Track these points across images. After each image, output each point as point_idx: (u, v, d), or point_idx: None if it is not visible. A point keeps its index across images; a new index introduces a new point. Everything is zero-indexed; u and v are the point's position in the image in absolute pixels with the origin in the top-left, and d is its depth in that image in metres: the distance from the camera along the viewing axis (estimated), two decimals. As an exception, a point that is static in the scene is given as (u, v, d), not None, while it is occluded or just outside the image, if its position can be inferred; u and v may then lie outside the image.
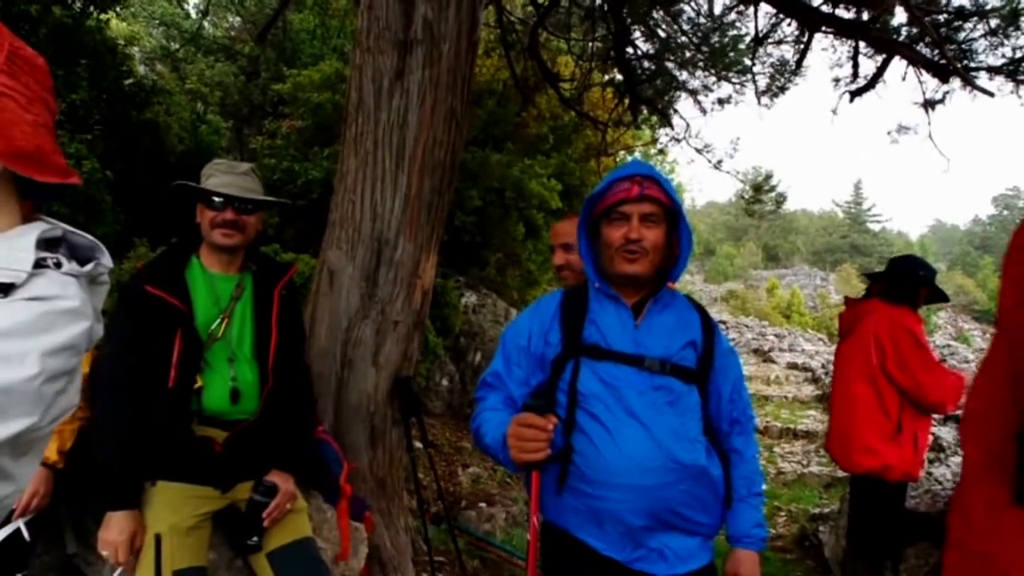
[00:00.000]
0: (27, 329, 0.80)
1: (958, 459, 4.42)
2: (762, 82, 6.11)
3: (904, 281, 3.09)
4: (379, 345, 2.92)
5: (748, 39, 5.75)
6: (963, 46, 4.45)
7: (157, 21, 10.75)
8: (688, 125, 7.61)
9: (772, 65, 6.00)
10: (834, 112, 5.56)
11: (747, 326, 19.84)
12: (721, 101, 6.79)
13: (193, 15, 10.89)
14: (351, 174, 2.96)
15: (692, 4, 5.90)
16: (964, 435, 0.79)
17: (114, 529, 1.74)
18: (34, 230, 0.91)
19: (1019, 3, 4.18)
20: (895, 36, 4.67)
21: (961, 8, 4.40)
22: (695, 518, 1.58)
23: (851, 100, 5.21)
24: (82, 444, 1.98)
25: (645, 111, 7.31)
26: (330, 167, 5.94)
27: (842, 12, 4.75)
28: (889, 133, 5.57)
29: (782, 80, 5.99)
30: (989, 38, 4.33)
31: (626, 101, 6.98)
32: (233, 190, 1.93)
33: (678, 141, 7.83)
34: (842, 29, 4.82)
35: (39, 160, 0.91)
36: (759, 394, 10.56)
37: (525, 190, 7.22)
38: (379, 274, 2.93)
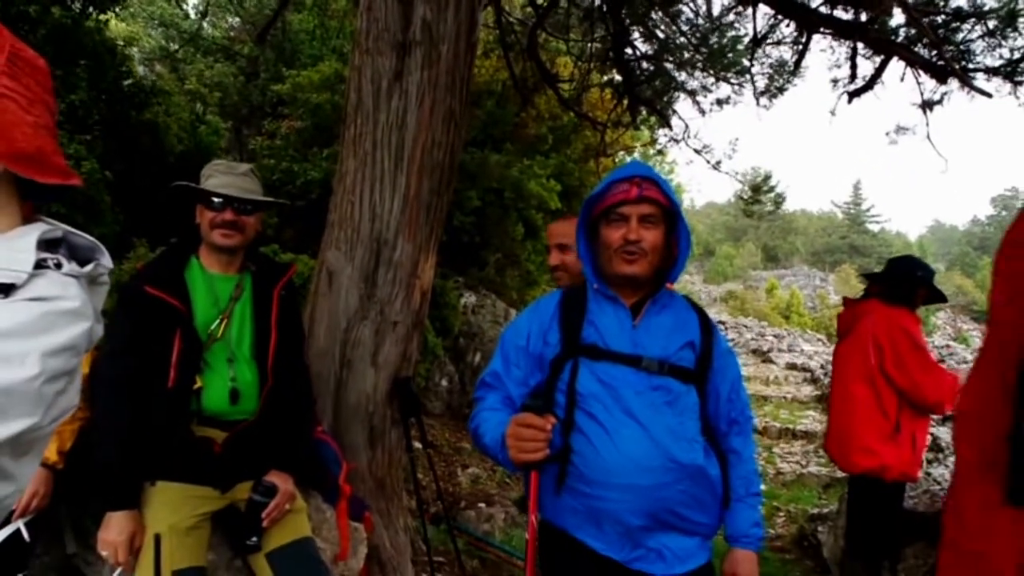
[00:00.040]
0: (28, 329, 0.81)
1: (956, 459, 4.42)
2: (761, 83, 6.13)
3: (902, 282, 3.10)
4: (378, 345, 2.93)
5: (747, 40, 5.76)
6: (961, 47, 4.46)
7: (156, 22, 10.75)
8: (687, 126, 7.64)
9: (771, 66, 6.02)
10: (832, 113, 5.58)
11: (746, 326, 19.86)
12: (720, 102, 6.80)
13: (192, 16, 10.89)
14: (350, 175, 2.97)
15: (691, 5, 5.91)
16: (957, 435, 0.79)
17: (114, 529, 1.74)
18: (35, 231, 0.92)
19: (1016, 4, 4.19)
20: (893, 37, 4.68)
21: (959, 9, 4.41)
22: (693, 518, 1.59)
23: (849, 101, 5.22)
24: (82, 445, 1.99)
25: (644, 112, 7.32)
26: (329, 168, 5.95)
27: (840, 13, 4.76)
28: (887, 134, 5.59)
29: (781, 81, 6.00)
30: (987, 39, 4.34)
31: (625, 102, 6.99)
32: (232, 191, 1.93)
33: (677, 142, 7.85)
34: (840, 30, 4.83)
35: (40, 161, 0.91)
36: (758, 394, 10.57)
37: (524, 190, 7.23)
38: (378, 274, 2.93)
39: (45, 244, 0.91)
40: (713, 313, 24.04)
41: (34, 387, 0.79)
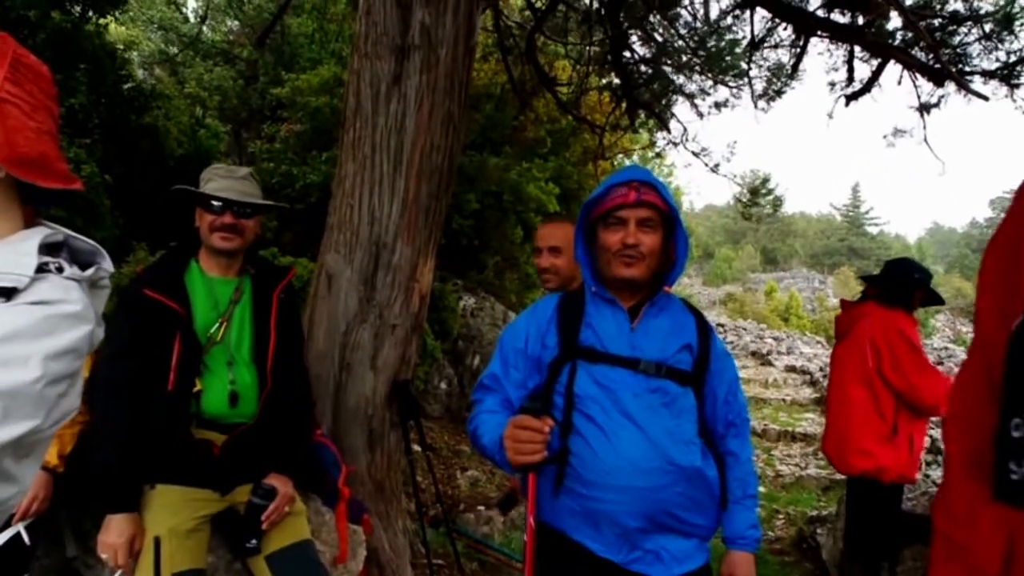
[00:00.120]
0: (30, 333, 0.82)
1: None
2: (759, 86, 6.15)
3: (899, 284, 3.12)
4: (377, 348, 2.93)
5: (744, 43, 5.78)
6: (957, 50, 4.48)
7: (156, 25, 10.77)
8: (685, 129, 7.68)
9: (768, 69, 6.04)
10: (830, 116, 5.59)
11: (745, 329, 19.86)
12: (718, 105, 6.83)
13: (192, 19, 10.93)
14: (349, 178, 2.98)
15: (689, 8, 5.93)
16: (946, 435, 0.81)
17: (113, 532, 1.75)
18: (36, 235, 0.93)
19: (1013, 8, 4.21)
20: (890, 40, 4.70)
21: (955, 13, 4.43)
22: (691, 520, 1.60)
23: (847, 104, 5.24)
24: (82, 448, 1.99)
25: (642, 115, 7.34)
26: (328, 171, 5.96)
27: (837, 16, 4.78)
28: (885, 137, 5.61)
29: (778, 84, 6.02)
30: (983, 42, 4.36)
31: (623, 105, 7.01)
32: (232, 194, 1.94)
33: (675, 145, 7.88)
34: (837, 33, 4.85)
35: (42, 166, 0.92)
36: (757, 397, 10.56)
37: (523, 194, 7.24)
38: (377, 278, 2.94)
39: (47, 248, 0.92)
40: (712, 315, 24.06)
41: (36, 390, 0.80)
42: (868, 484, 3.06)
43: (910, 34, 4.53)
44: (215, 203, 1.93)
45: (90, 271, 0.96)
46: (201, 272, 2.00)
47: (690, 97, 6.94)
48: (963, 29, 4.43)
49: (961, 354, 14.82)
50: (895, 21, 4.71)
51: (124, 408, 1.79)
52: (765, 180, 9.48)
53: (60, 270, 0.91)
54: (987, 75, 4.41)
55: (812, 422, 9.10)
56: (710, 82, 6.60)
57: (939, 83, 4.59)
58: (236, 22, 10.67)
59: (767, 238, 63.73)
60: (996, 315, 0.70)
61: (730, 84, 6.45)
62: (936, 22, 4.50)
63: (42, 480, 1.94)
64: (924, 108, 5.03)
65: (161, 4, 10.72)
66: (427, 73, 2.92)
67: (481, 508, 4.55)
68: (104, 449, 1.79)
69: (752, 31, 5.48)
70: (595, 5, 6.08)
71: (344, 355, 2.91)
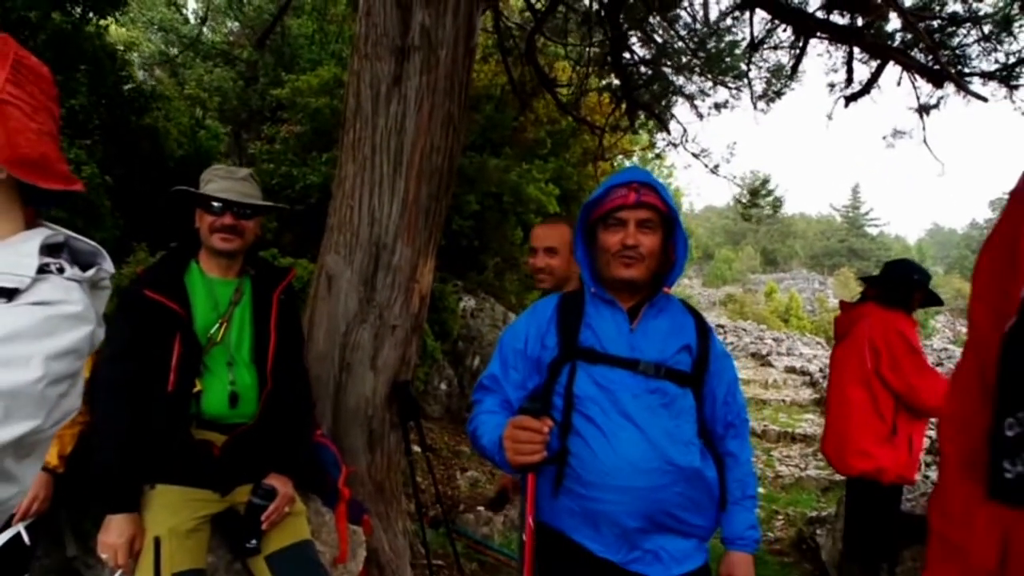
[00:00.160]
0: (31, 333, 0.82)
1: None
2: (758, 87, 6.16)
3: (898, 285, 3.12)
4: (377, 349, 2.94)
5: (744, 44, 5.79)
6: (957, 52, 4.49)
7: (156, 27, 10.78)
8: (685, 130, 7.68)
9: (768, 70, 6.05)
10: (830, 117, 5.60)
11: (745, 330, 19.86)
12: (717, 106, 6.84)
13: (192, 21, 10.94)
14: (349, 179, 2.98)
15: (688, 9, 5.94)
16: (941, 435, 0.81)
17: (113, 532, 1.75)
18: (37, 236, 0.93)
19: (1011, 9, 4.22)
20: (889, 42, 4.71)
21: (954, 14, 4.44)
22: (690, 520, 1.60)
23: (846, 105, 5.25)
24: (82, 448, 1.99)
25: (642, 116, 7.35)
26: (328, 172, 5.96)
27: (837, 18, 4.79)
28: (885, 138, 5.62)
29: (778, 85, 6.03)
30: (982, 44, 4.37)
31: (623, 106, 7.02)
32: (232, 195, 1.95)
33: (675, 146, 7.88)
34: (837, 35, 4.86)
35: (43, 167, 0.93)
36: (757, 398, 10.56)
37: (523, 195, 7.25)
38: (377, 278, 2.95)
39: (48, 249, 0.93)
40: (712, 316, 24.06)
41: (37, 390, 0.81)
42: (867, 485, 3.06)
43: (909, 35, 4.54)
44: (215, 204, 1.93)
45: (91, 272, 0.96)
46: (201, 273, 2.00)
47: (690, 98, 6.96)
48: (962, 30, 4.44)
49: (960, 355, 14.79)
50: (894, 22, 4.73)
51: (124, 408, 1.80)
52: (765, 181, 9.47)
53: (61, 271, 0.91)
54: (986, 76, 4.42)
55: (812, 423, 9.10)
56: (710, 83, 6.61)
57: (938, 84, 4.60)
58: (236, 23, 10.68)
59: (767, 239, 63.75)
60: (990, 317, 0.70)
61: (730, 85, 6.46)
62: (935, 23, 4.51)
63: (42, 480, 1.94)
64: (923, 109, 5.04)
65: (161, 5, 10.73)
66: (427, 74, 2.92)
67: (481, 509, 4.55)
68: (104, 449, 1.80)
69: (752, 32, 5.50)
70: (595, 6, 6.09)
71: (344, 356, 2.92)
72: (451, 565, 3.62)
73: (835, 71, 5.32)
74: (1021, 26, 4.22)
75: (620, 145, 9.77)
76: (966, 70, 4.50)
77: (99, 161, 4.79)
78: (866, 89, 5.05)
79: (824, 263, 58.90)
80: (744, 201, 8.84)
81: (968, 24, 4.38)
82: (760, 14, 5.32)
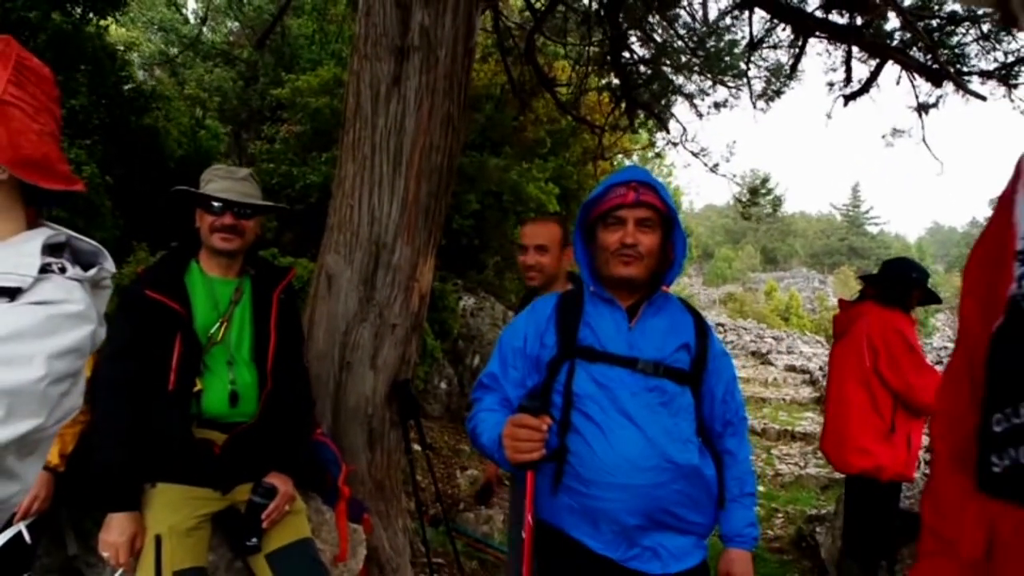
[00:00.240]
0: (33, 332, 0.83)
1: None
2: (758, 86, 6.17)
3: (897, 283, 3.13)
4: (377, 348, 2.94)
5: (743, 44, 5.79)
6: (955, 51, 4.49)
7: (156, 27, 10.78)
8: (684, 129, 7.69)
9: (767, 69, 6.05)
10: (829, 116, 5.61)
11: (745, 328, 19.85)
12: (717, 105, 6.84)
13: (192, 21, 10.94)
14: (349, 179, 2.99)
15: (688, 9, 5.94)
16: (933, 432, 0.83)
17: (114, 530, 1.76)
18: (39, 236, 0.94)
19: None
20: (888, 41, 4.72)
21: (953, 13, 4.45)
22: (688, 517, 1.61)
23: (845, 104, 5.26)
24: (83, 447, 2.00)
25: (641, 115, 7.35)
26: (328, 172, 5.97)
27: (836, 17, 4.79)
28: (884, 137, 5.63)
29: (777, 84, 6.03)
30: (981, 43, 4.38)
31: (622, 105, 7.02)
32: (232, 195, 1.95)
33: (675, 145, 7.89)
34: (836, 34, 4.86)
35: (45, 168, 0.93)
36: (757, 396, 10.57)
37: (523, 194, 7.26)
38: (377, 278, 2.95)
39: (49, 249, 0.94)
40: (712, 315, 24.05)
41: (39, 388, 0.81)
42: (866, 483, 3.07)
43: (908, 34, 4.55)
44: (215, 204, 1.94)
45: (92, 271, 0.97)
46: (201, 272, 2.01)
47: (689, 97, 6.96)
48: (961, 29, 4.45)
49: (961, 354, 14.79)
50: (893, 22, 4.73)
51: (125, 407, 1.81)
52: (764, 180, 9.49)
53: (63, 270, 0.92)
54: (985, 75, 4.43)
55: (811, 421, 9.11)
56: (709, 82, 6.62)
57: (937, 83, 4.61)
58: (236, 23, 10.68)
59: (767, 238, 63.72)
60: (979, 316, 0.72)
61: (729, 84, 6.46)
62: (934, 22, 4.52)
63: (43, 479, 1.95)
64: (922, 108, 5.04)
65: (161, 5, 10.74)
66: (426, 74, 2.93)
67: (482, 508, 4.56)
68: (105, 448, 1.80)
69: (751, 31, 5.50)
70: (594, 6, 6.09)
71: (344, 355, 2.93)
72: (451, 563, 3.63)
73: (834, 70, 5.33)
74: (1020, 25, 4.22)
75: (620, 144, 9.78)
76: (965, 69, 4.51)
77: (99, 161, 4.80)
78: (865, 88, 5.05)
79: (824, 262, 58.87)
80: (744, 200, 8.85)
81: (967, 23, 4.38)
82: (759, 13, 5.33)
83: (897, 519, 3.14)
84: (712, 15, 5.91)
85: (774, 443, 8.47)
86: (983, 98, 4.45)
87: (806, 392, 11.17)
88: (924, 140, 5.23)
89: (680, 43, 6.20)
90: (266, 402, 1.98)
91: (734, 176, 8.86)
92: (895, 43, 4.69)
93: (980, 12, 4.31)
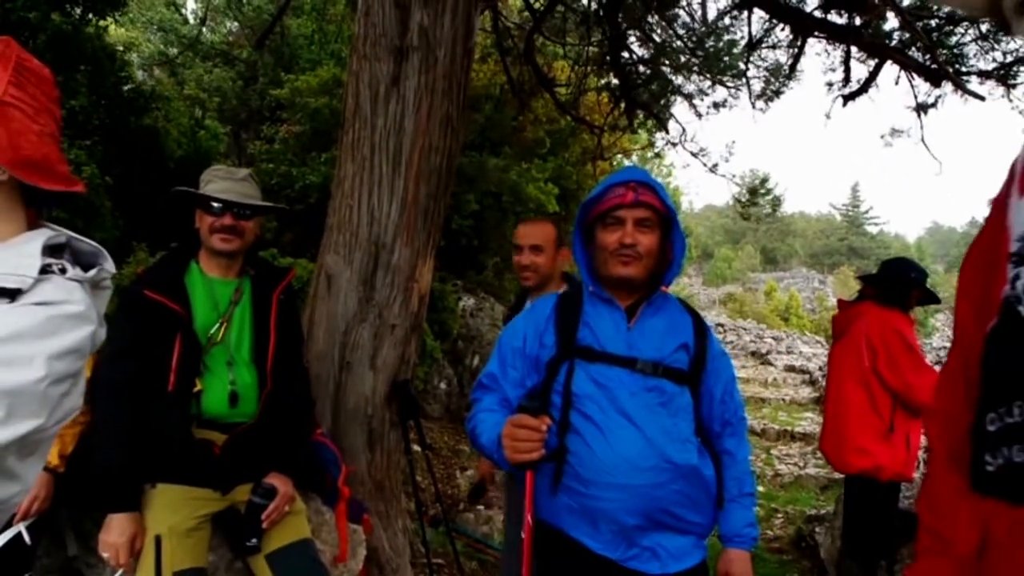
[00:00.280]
0: (34, 333, 0.83)
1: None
2: (757, 86, 6.18)
3: (895, 283, 3.13)
4: (377, 348, 2.95)
5: (742, 44, 5.80)
6: (954, 51, 4.50)
7: (155, 27, 10.78)
8: (684, 129, 7.66)
9: (766, 69, 6.06)
10: (828, 116, 5.61)
11: (745, 329, 19.85)
12: (716, 105, 6.85)
13: (191, 21, 10.94)
14: (348, 179, 2.99)
15: (687, 9, 5.95)
16: (929, 432, 0.84)
17: (114, 531, 1.76)
18: (39, 237, 0.94)
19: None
20: (887, 41, 4.72)
21: (952, 13, 4.45)
22: (687, 517, 1.61)
23: (844, 104, 5.26)
24: (83, 448, 2.00)
25: (641, 115, 7.36)
26: (328, 172, 5.97)
27: (834, 17, 4.80)
28: (882, 137, 5.63)
29: (776, 84, 6.04)
30: (979, 43, 4.39)
31: (622, 105, 7.03)
32: (232, 196, 1.96)
33: (674, 145, 7.89)
34: (834, 34, 4.87)
35: (45, 168, 0.94)
36: (757, 396, 10.57)
37: (522, 194, 7.26)
38: (376, 278, 2.95)
39: (50, 250, 0.94)
40: (712, 315, 24.05)
41: (40, 389, 0.82)
42: (866, 482, 3.07)
43: (907, 34, 4.55)
44: (215, 205, 1.94)
45: (92, 272, 0.97)
46: (201, 273, 2.01)
47: (688, 97, 6.97)
48: (959, 29, 4.45)
49: (960, 353, 14.78)
50: (892, 22, 4.74)
51: (125, 408, 1.81)
52: (764, 180, 9.51)
53: (63, 271, 0.92)
54: (984, 75, 4.44)
55: (811, 421, 9.11)
56: (708, 82, 6.63)
57: (936, 83, 4.61)
58: (235, 23, 10.67)
59: (767, 238, 63.73)
60: (973, 317, 0.73)
61: (728, 84, 6.47)
62: (933, 23, 4.52)
63: (43, 480, 1.95)
64: (921, 108, 5.05)
65: (160, 6, 10.73)
66: (426, 74, 2.93)
67: (481, 507, 4.56)
68: (105, 449, 1.81)
69: (750, 32, 5.51)
70: (593, 6, 6.10)
71: (344, 355, 2.93)
72: (451, 564, 3.63)
73: (833, 70, 5.34)
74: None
75: (619, 144, 9.78)
76: (963, 69, 4.51)
77: (99, 161, 4.80)
78: (864, 88, 5.06)
79: (824, 262, 58.87)
80: (743, 200, 8.85)
81: (965, 23, 4.39)
82: (758, 13, 5.33)
83: (896, 519, 3.15)
84: (711, 15, 5.93)
85: (774, 443, 8.48)
86: (982, 98, 4.46)
87: (806, 392, 11.18)
88: (923, 140, 5.24)
89: (679, 43, 6.20)
90: (266, 402, 1.98)
91: (733, 176, 8.89)
92: (894, 43, 4.70)
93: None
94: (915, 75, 4.76)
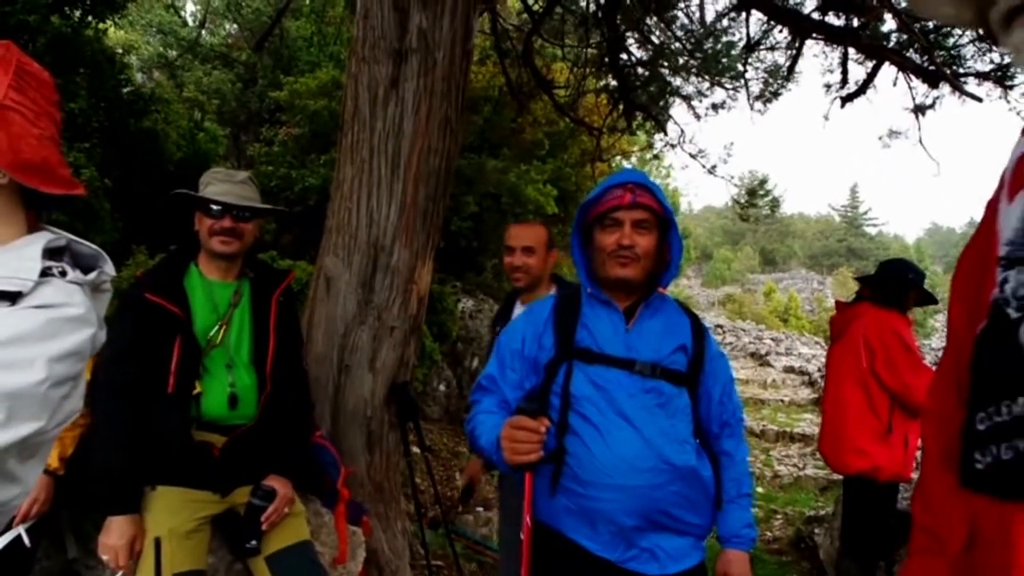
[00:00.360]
0: (34, 336, 0.84)
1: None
2: (755, 88, 6.19)
3: (893, 284, 3.14)
4: (376, 350, 2.95)
5: (740, 45, 5.81)
6: (952, 52, 4.51)
7: (154, 29, 10.78)
8: (682, 130, 7.67)
9: (765, 71, 6.07)
10: (826, 118, 5.63)
11: (744, 330, 19.87)
12: (715, 106, 6.86)
13: (190, 23, 10.94)
14: (347, 181, 3.00)
15: (685, 11, 5.96)
16: (923, 432, 0.85)
17: (114, 533, 1.76)
18: (40, 240, 0.95)
19: (1006, 10, 4.23)
20: (885, 42, 4.74)
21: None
22: (686, 518, 1.61)
23: (842, 105, 5.27)
24: (83, 450, 2.00)
25: (639, 117, 7.36)
26: (327, 174, 5.97)
27: (832, 19, 4.81)
28: (880, 138, 5.64)
29: (774, 86, 6.05)
30: (977, 44, 4.40)
31: (620, 107, 7.03)
32: (231, 198, 1.96)
33: (673, 146, 7.90)
34: (832, 36, 4.88)
35: (45, 172, 0.94)
36: (756, 398, 10.58)
37: (521, 196, 7.26)
38: (375, 280, 2.96)
39: (50, 253, 0.94)
40: (711, 316, 24.05)
41: (40, 391, 0.82)
42: (864, 483, 3.08)
43: (905, 36, 4.57)
44: (214, 207, 1.95)
45: (92, 275, 0.97)
46: (200, 275, 2.01)
47: (687, 99, 6.97)
48: (957, 31, 4.46)
49: (959, 354, 14.79)
50: (890, 23, 4.75)
51: (124, 410, 1.81)
52: (763, 181, 9.51)
53: (63, 274, 0.93)
54: (981, 77, 4.45)
55: (810, 422, 9.12)
56: (707, 84, 6.63)
57: (933, 85, 4.62)
58: (234, 26, 10.68)
59: (766, 239, 63.80)
60: (965, 320, 0.74)
61: (727, 86, 6.48)
62: (930, 24, 4.53)
63: (42, 483, 1.95)
64: (919, 109, 5.06)
65: (160, 8, 10.74)
66: (424, 77, 2.94)
67: (480, 509, 4.56)
68: (105, 451, 1.81)
69: (748, 33, 5.52)
70: (592, 8, 6.11)
71: (343, 357, 2.93)
72: (450, 565, 3.63)
73: (831, 72, 5.35)
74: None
75: (618, 146, 9.79)
76: (961, 70, 4.53)
77: (98, 164, 4.80)
78: (862, 89, 5.07)
79: (823, 263, 58.92)
80: (742, 201, 8.86)
81: (963, 24, 4.39)
82: (756, 15, 5.35)
83: (895, 519, 3.15)
84: (709, 17, 5.94)
85: (773, 444, 8.48)
86: (979, 99, 4.47)
87: (805, 393, 11.18)
88: (921, 141, 5.25)
89: (678, 45, 6.21)
90: (265, 405, 1.98)
91: (732, 177, 8.87)
92: (891, 45, 4.72)
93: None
94: (913, 76, 4.78)
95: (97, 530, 1.80)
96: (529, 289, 2.61)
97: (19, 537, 1.90)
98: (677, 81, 6.79)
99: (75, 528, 2.17)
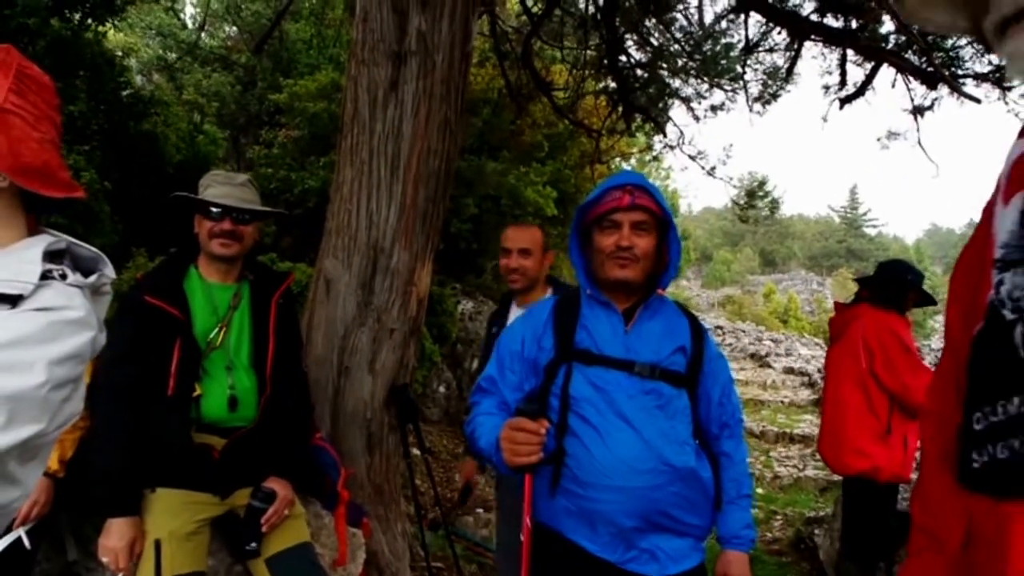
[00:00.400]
0: (35, 338, 0.84)
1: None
2: (754, 89, 6.20)
3: (891, 285, 3.14)
4: (375, 352, 2.95)
5: (739, 47, 5.82)
6: (950, 53, 4.52)
7: (154, 32, 10.79)
8: (681, 132, 7.68)
9: (763, 72, 6.08)
10: (825, 119, 5.64)
11: (744, 331, 19.83)
12: (714, 108, 6.87)
13: (190, 26, 10.95)
14: (347, 184, 3.00)
15: (684, 13, 5.97)
16: (922, 432, 0.86)
17: (114, 535, 1.76)
18: (40, 243, 0.95)
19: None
20: (883, 44, 4.75)
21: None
22: (685, 519, 1.62)
23: (841, 107, 5.29)
24: (83, 452, 2.00)
25: (638, 119, 7.38)
26: (326, 176, 5.97)
27: (831, 21, 4.82)
28: (879, 139, 5.65)
29: (773, 87, 6.07)
30: (975, 46, 4.40)
31: (619, 109, 7.05)
32: (231, 201, 1.97)
33: (672, 148, 7.91)
34: (831, 37, 4.89)
35: (46, 175, 0.95)
36: (756, 399, 10.57)
37: (521, 197, 7.27)
38: (375, 282, 2.96)
39: (50, 256, 0.95)
40: (711, 318, 24.04)
41: (41, 394, 0.82)
42: (864, 484, 3.08)
43: (903, 38, 4.58)
44: (214, 210, 1.95)
45: (92, 278, 0.98)
46: (200, 278, 2.02)
47: (686, 101, 6.99)
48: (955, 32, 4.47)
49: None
50: (888, 25, 4.76)
51: (125, 412, 1.81)
52: (762, 182, 9.50)
53: (63, 277, 0.93)
54: (979, 78, 4.46)
55: (810, 423, 9.11)
56: (706, 86, 6.65)
57: (932, 86, 4.63)
58: (234, 28, 10.69)
59: (765, 240, 63.81)
60: (962, 321, 0.75)
61: (725, 88, 6.49)
62: (929, 25, 4.54)
63: (42, 485, 1.95)
64: (918, 111, 5.07)
65: (159, 11, 10.74)
66: (424, 79, 2.94)
67: (480, 511, 4.56)
68: (105, 453, 1.81)
69: (747, 35, 5.54)
70: (591, 10, 6.12)
71: (343, 359, 2.93)
72: (450, 567, 3.63)
73: (830, 73, 5.37)
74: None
75: (617, 148, 9.80)
76: (959, 72, 4.54)
77: (98, 167, 4.80)
78: (861, 91, 5.08)
79: (823, 264, 58.92)
80: (741, 202, 8.87)
81: (961, 26, 4.40)
82: (755, 17, 5.36)
83: (895, 520, 3.15)
84: (708, 19, 5.95)
85: (773, 445, 8.48)
86: (977, 100, 4.48)
87: (805, 394, 11.18)
88: (919, 142, 5.26)
89: (676, 47, 6.23)
90: (265, 407, 1.99)
91: (731, 179, 8.91)
92: (890, 46, 4.73)
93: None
94: (911, 78, 4.79)
95: (97, 532, 1.80)
96: (525, 291, 2.62)
97: (19, 539, 1.90)
98: (676, 83, 6.81)
99: (75, 530, 2.16)
